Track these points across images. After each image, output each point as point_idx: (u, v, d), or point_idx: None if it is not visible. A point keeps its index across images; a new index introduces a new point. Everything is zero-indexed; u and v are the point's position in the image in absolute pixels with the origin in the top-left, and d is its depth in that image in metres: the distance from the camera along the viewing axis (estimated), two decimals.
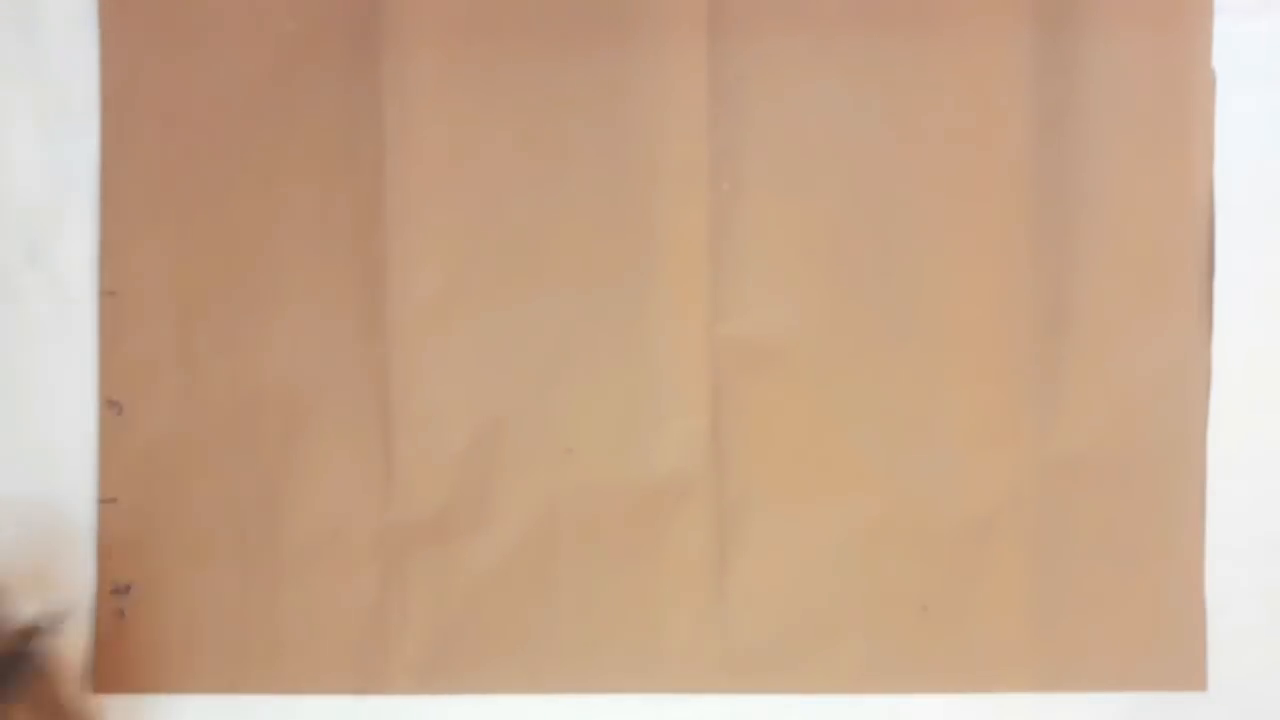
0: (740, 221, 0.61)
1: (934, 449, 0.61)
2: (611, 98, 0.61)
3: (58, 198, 0.61)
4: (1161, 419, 0.61)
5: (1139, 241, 0.60)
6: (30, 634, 0.57)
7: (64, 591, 0.60)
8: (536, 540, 0.60)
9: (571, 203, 0.61)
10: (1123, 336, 0.60)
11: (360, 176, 0.61)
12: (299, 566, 0.59)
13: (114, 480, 0.60)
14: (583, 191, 0.61)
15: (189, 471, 0.60)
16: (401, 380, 0.61)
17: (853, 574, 0.60)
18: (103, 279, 0.61)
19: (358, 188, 0.61)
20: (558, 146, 0.61)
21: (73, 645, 0.60)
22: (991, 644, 0.60)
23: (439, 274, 0.61)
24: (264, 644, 0.60)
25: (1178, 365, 0.61)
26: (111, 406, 0.60)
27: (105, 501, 0.60)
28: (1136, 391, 0.61)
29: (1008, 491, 0.61)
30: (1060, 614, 0.60)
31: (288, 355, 0.61)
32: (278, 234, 0.61)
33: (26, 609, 0.60)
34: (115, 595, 0.60)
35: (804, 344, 0.61)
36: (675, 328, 0.61)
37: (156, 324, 0.61)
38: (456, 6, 0.61)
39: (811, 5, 0.61)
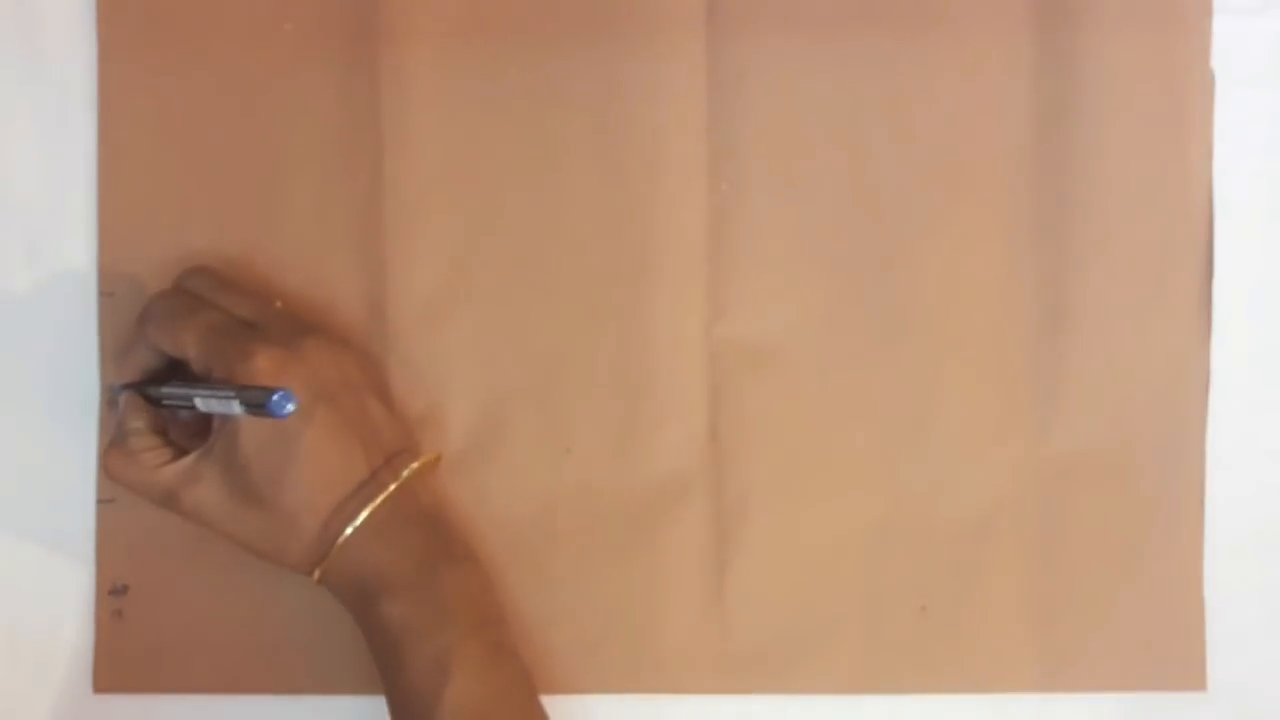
0: (739, 221, 0.61)
1: (934, 449, 0.61)
2: (610, 97, 0.61)
3: (57, 198, 0.61)
4: (1161, 419, 0.60)
5: (1139, 241, 0.60)
6: None
7: (63, 592, 0.61)
8: (536, 540, 0.60)
9: (570, 202, 0.61)
10: (1122, 336, 0.60)
11: (359, 176, 0.61)
12: None
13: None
14: (581, 191, 0.61)
15: None
16: (400, 380, 0.61)
17: (852, 574, 0.60)
18: (101, 280, 0.61)
19: (357, 187, 0.61)
20: (556, 146, 0.61)
21: (71, 647, 0.61)
22: (991, 644, 0.60)
23: (438, 274, 0.61)
24: (264, 644, 0.60)
25: (1178, 365, 0.61)
26: (111, 406, 0.60)
27: (104, 502, 0.60)
28: (1136, 391, 0.61)
29: (1007, 491, 0.61)
30: (1060, 614, 0.60)
31: None
32: (276, 234, 0.61)
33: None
34: (114, 595, 0.60)
35: (802, 344, 0.61)
36: (673, 328, 0.61)
37: None
38: (454, 6, 0.61)
39: (810, 4, 0.61)
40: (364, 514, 0.55)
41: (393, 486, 0.56)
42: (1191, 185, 0.61)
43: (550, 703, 0.58)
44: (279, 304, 0.59)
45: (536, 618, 0.60)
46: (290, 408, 0.51)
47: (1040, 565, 0.60)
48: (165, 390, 0.57)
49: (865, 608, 0.60)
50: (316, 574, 0.56)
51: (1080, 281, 0.60)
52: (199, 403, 0.55)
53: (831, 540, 0.60)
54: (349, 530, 0.55)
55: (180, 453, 0.57)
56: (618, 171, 0.61)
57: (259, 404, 0.51)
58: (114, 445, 0.57)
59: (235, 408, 0.52)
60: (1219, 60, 0.60)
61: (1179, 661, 0.60)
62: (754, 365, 0.61)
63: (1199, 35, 0.60)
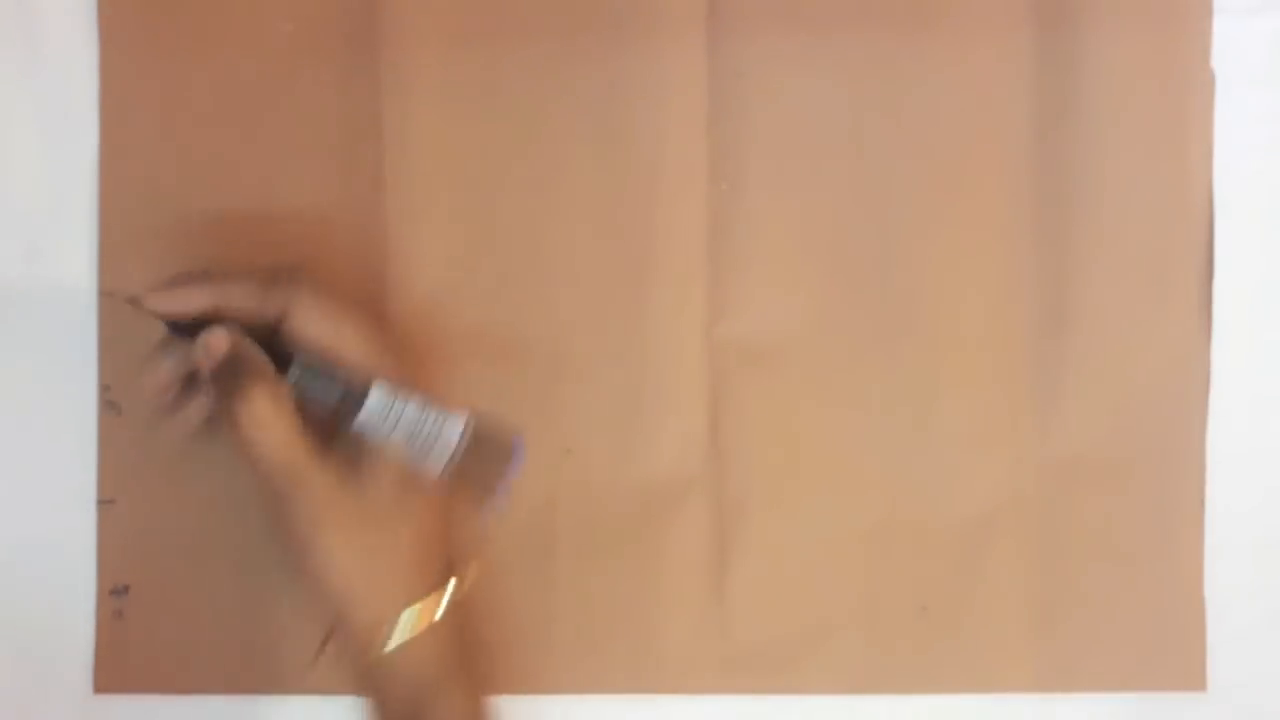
0: (738, 221, 0.61)
1: (934, 449, 0.61)
2: (610, 97, 0.61)
3: (58, 198, 0.61)
4: (1161, 419, 0.61)
5: (1139, 241, 0.60)
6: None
7: (63, 592, 0.61)
8: (536, 540, 0.60)
9: (570, 202, 0.61)
10: (1123, 336, 0.60)
11: (360, 176, 0.61)
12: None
13: (113, 481, 0.60)
14: (581, 191, 0.61)
15: (189, 471, 0.60)
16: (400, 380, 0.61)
17: (852, 574, 0.60)
18: (102, 279, 0.61)
19: (357, 188, 0.61)
20: (556, 145, 0.61)
21: (71, 647, 0.61)
22: (991, 644, 0.60)
23: (438, 274, 0.61)
24: (264, 644, 0.60)
25: (1178, 365, 0.61)
26: (111, 407, 0.60)
27: (104, 502, 0.60)
28: (1136, 391, 0.61)
29: (1008, 491, 0.61)
30: (1060, 614, 0.60)
31: None
32: (276, 234, 0.61)
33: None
34: (114, 596, 0.60)
35: (802, 344, 0.61)
36: (673, 328, 0.61)
37: (156, 324, 0.61)
38: (454, 5, 0.61)
39: (811, 3, 0.61)
40: (450, 593, 0.56)
41: (472, 576, 0.57)
42: (1191, 185, 0.61)
43: (551, 703, 0.58)
44: None
45: (536, 618, 0.60)
46: (518, 461, 0.55)
47: (1040, 565, 0.60)
48: (342, 375, 0.54)
49: (865, 608, 0.60)
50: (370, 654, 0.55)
51: (1080, 281, 0.60)
52: (400, 411, 0.54)
53: (831, 540, 0.60)
54: (438, 611, 0.55)
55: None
56: (618, 171, 0.61)
57: (500, 438, 0.55)
58: (267, 384, 0.53)
59: (458, 429, 0.55)
60: (1219, 60, 0.60)
61: (1179, 661, 0.60)
62: (754, 364, 0.61)
63: (1199, 35, 0.60)
